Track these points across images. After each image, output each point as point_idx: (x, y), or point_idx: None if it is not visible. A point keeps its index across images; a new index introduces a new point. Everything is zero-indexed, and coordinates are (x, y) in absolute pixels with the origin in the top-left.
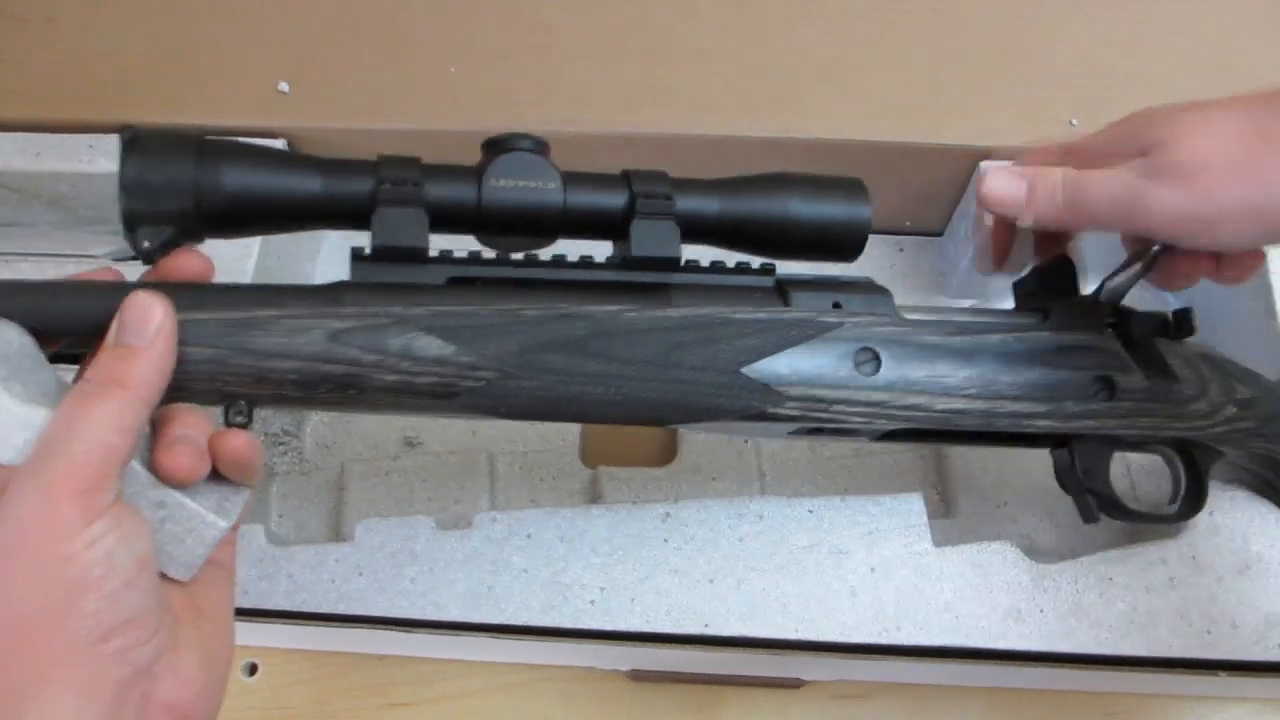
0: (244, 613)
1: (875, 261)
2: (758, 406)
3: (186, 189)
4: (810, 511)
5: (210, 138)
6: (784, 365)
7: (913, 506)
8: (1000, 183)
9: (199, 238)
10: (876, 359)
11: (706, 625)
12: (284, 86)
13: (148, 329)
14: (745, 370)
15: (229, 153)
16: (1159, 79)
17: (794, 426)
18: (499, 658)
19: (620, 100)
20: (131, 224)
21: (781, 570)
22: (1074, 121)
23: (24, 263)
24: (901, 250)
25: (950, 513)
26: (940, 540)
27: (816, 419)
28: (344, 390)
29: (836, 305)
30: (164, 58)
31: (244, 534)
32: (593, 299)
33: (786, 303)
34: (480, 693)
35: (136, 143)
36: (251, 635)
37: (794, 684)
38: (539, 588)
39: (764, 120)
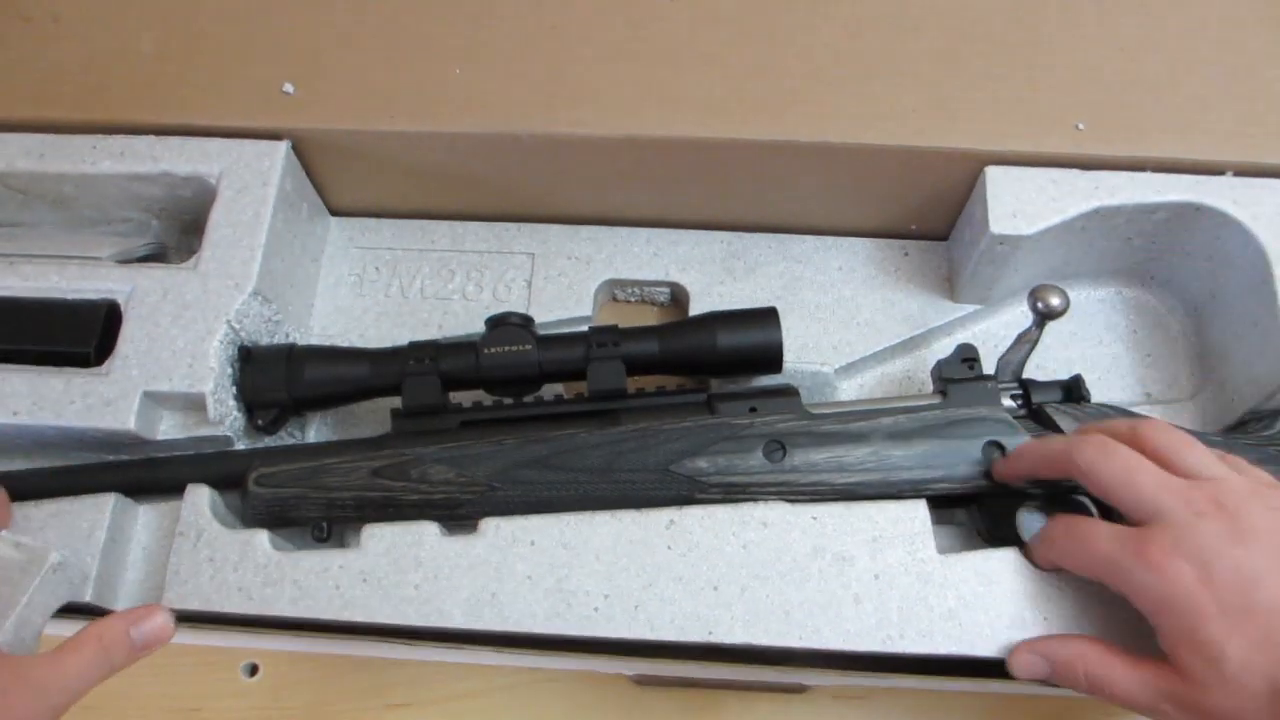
0: (249, 621)
1: (880, 266)
2: (685, 494)
3: (282, 384)
4: (814, 519)
5: (296, 346)
6: (704, 461)
7: (916, 513)
8: (1022, 667)
9: (297, 413)
10: (783, 448)
11: (710, 633)
12: (289, 88)
13: None
14: (673, 468)
15: (308, 355)
16: (1167, 83)
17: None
18: (499, 660)
19: (625, 103)
20: (250, 409)
21: (785, 577)
22: (1080, 125)
23: (27, 264)
24: (907, 255)
25: (954, 519)
26: (944, 547)
27: (735, 500)
28: (384, 509)
29: (753, 409)
30: (168, 58)
31: (248, 540)
32: (561, 427)
33: (712, 412)
34: (481, 693)
35: (249, 356)
36: (251, 635)
37: (797, 689)
38: (542, 595)
39: (769, 124)
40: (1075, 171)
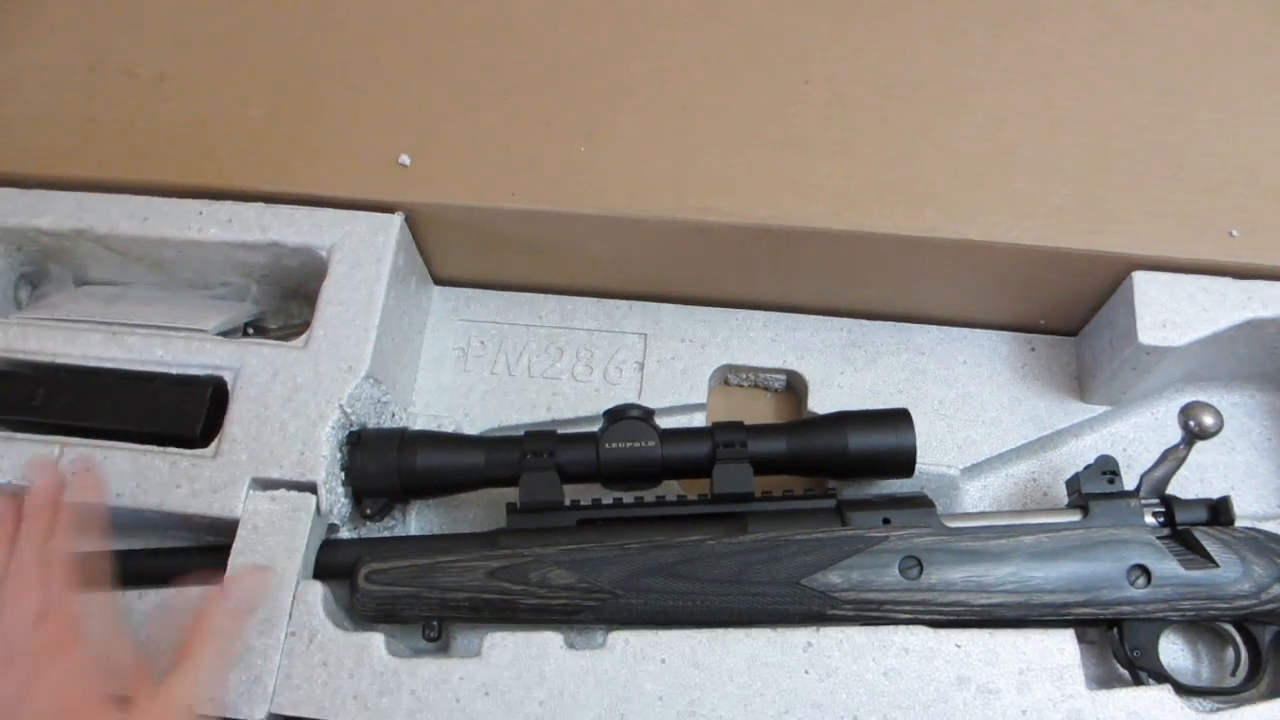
0: None
1: (1006, 362)
2: (817, 610)
3: (393, 472)
4: (958, 646)
5: (408, 431)
6: (837, 576)
7: (1065, 645)
8: None
9: (405, 501)
10: (919, 565)
11: None
12: (405, 159)
13: None
14: (804, 582)
15: (421, 442)
16: None
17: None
18: None
19: (757, 190)
20: (358, 497)
21: (928, 709)
22: (1234, 232)
23: (131, 335)
24: (1033, 350)
25: (1103, 648)
26: (1094, 681)
27: (869, 617)
28: (500, 611)
29: (886, 520)
30: (278, 122)
31: (364, 645)
32: (684, 530)
33: (844, 522)
34: None
35: (359, 441)
36: None
37: None
38: (674, 717)
39: (909, 218)
40: (1227, 280)
